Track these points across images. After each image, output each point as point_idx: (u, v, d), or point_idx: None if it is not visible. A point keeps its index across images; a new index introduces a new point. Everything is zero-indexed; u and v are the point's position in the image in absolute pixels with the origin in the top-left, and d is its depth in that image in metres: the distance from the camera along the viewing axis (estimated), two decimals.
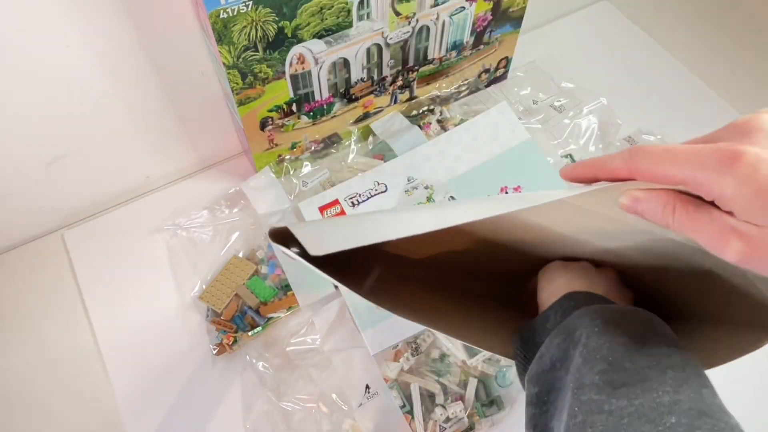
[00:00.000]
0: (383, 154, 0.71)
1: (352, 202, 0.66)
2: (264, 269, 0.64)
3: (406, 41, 0.65)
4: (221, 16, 0.50)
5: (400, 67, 0.69)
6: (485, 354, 0.58)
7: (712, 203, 0.26)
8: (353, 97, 0.69)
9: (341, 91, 0.67)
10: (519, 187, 0.68)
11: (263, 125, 0.65)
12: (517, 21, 0.73)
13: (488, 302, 0.46)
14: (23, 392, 0.60)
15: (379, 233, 0.30)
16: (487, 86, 0.80)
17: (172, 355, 0.61)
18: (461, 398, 0.57)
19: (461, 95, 0.78)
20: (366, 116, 0.73)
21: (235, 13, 0.51)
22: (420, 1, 0.61)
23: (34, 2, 0.49)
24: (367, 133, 0.74)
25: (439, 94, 0.76)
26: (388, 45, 0.64)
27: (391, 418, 0.56)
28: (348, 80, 0.66)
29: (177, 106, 0.65)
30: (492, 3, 0.67)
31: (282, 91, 0.62)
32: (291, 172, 0.70)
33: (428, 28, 0.65)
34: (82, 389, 0.60)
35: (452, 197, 0.68)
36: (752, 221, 0.24)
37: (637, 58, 0.86)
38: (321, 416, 0.57)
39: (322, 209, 0.66)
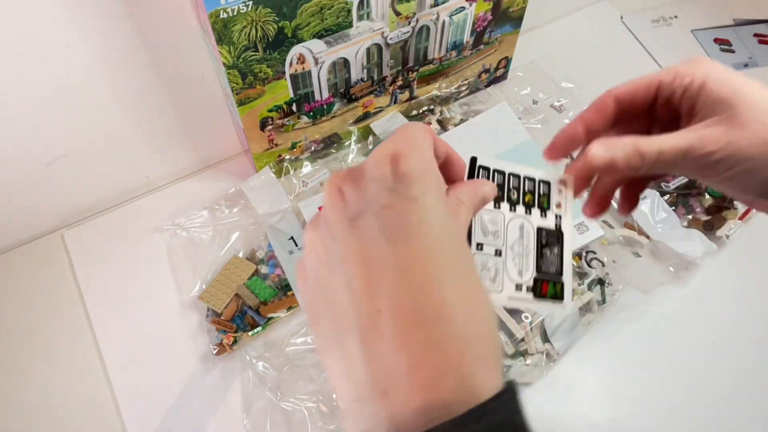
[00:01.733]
0: None
1: None
2: (264, 269, 0.64)
3: (406, 41, 0.65)
4: (221, 16, 0.50)
5: (400, 67, 0.69)
6: None
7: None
8: (353, 97, 0.69)
9: (341, 91, 0.67)
10: None
11: (263, 125, 0.65)
12: (517, 21, 0.73)
13: None
14: (23, 392, 0.60)
15: None
16: (487, 86, 0.80)
17: (172, 355, 0.61)
18: None
19: (461, 95, 0.78)
20: (366, 116, 0.73)
21: (235, 13, 0.51)
22: (420, 1, 0.61)
23: (34, 1, 0.49)
24: (367, 133, 0.74)
25: (439, 94, 0.76)
26: (388, 45, 0.64)
27: None
28: (348, 80, 0.66)
29: (177, 106, 0.65)
30: (492, 3, 0.67)
31: (282, 91, 0.62)
32: (291, 172, 0.70)
33: (428, 28, 0.65)
34: (82, 389, 0.60)
35: None
36: None
37: (637, 57, 0.86)
38: (321, 416, 0.57)
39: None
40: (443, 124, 0.74)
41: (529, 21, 0.74)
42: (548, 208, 0.36)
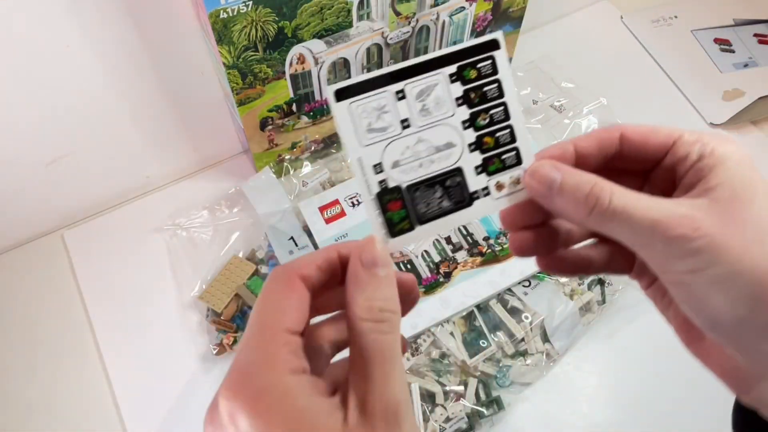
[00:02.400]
0: None
1: (352, 203, 0.66)
2: (264, 269, 0.64)
3: (406, 41, 0.65)
4: (221, 16, 0.50)
5: None
6: (485, 354, 0.58)
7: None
8: None
9: None
10: None
11: (263, 125, 0.65)
12: (517, 21, 0.73)
13: None
14: (23, 392, 0.60)
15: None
16: None
17: (172, 355, 0.61)
18: (461, 398, 0.57)
19: None
20: None
21: (235, 13, 0.51)
22: (420, 1, 0.61)
23: (35, 1, 0.49)
24: None
25: None
26: (388, 45, 0.64)
27: None
28: None
29: (177, 106, 0.65)
30: (492, 3, 0.68)
31: (282, 91, 0.62)
32: (291, 172, 0.70)
33: (428, 28, 0.65)
34: (82, 389, 0.60)
35: None
36: None
37: (637, 58, 0.86)
38: None
39: (322, 209, 0.66)
40: None
41: (529, 21, 0.74)
42: (491, 174, 0.27)
